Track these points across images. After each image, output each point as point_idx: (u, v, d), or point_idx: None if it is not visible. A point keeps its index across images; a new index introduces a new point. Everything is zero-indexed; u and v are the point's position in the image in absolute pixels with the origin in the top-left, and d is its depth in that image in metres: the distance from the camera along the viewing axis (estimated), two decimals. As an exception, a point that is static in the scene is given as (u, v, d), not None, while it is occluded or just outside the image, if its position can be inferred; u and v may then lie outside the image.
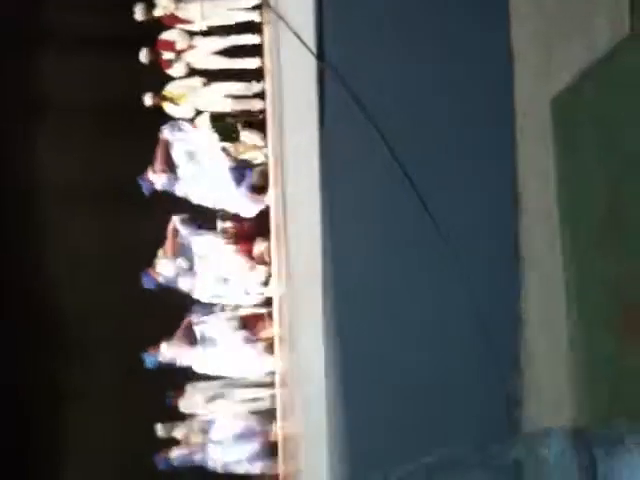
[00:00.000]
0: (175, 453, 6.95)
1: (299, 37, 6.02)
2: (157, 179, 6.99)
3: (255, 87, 7.02)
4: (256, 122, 7.08)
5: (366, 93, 5.87)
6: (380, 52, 5.91)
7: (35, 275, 7.55)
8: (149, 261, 7.05)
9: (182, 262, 7.03)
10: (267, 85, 6.76)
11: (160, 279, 6.97)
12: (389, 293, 6.25)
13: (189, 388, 7.08)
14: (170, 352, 6.98)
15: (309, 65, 6.16)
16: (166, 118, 7.11)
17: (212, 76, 7.09)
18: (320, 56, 6.07)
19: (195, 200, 7.04)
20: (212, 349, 7.00)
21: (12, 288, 7.37)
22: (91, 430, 7.48)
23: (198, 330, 7.02)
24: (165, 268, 6.98)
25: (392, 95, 5.94)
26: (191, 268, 7.03)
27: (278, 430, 6.79)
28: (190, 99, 7.03)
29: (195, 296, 7.06)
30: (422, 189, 5.90)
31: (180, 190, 7.01)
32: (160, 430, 7.04)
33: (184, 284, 7.03)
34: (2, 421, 7.13)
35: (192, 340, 7.06)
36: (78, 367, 7.53)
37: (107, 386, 7.43)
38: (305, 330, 6.45)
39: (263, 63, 6.87)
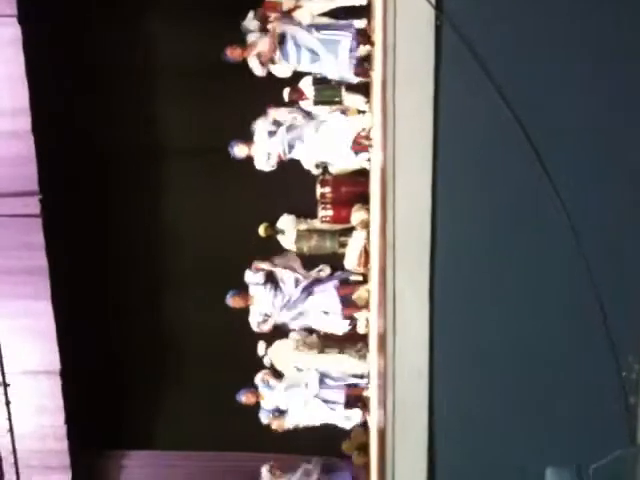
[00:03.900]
0: None
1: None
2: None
3: (361, 49, 6.75)
4: (360, 85, 6.85)
5: (488, 52, 5.50)
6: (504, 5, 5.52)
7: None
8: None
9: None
10: (376, 46, 6.43)
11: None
12: (502, 267, 5.90)
13: None
14: None
15: (425, 21, 5.82)
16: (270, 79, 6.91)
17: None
18: (439, 7, 5.72)
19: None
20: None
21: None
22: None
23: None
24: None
25: (516, 54, 5.55)
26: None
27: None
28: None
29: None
30: (545, 156, 5.52)
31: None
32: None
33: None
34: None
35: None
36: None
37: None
38: (408, 304, 6.14)
39: (370, 25, 6.60)
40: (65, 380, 6.99)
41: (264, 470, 7.24)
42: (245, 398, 7.14)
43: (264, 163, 7.01)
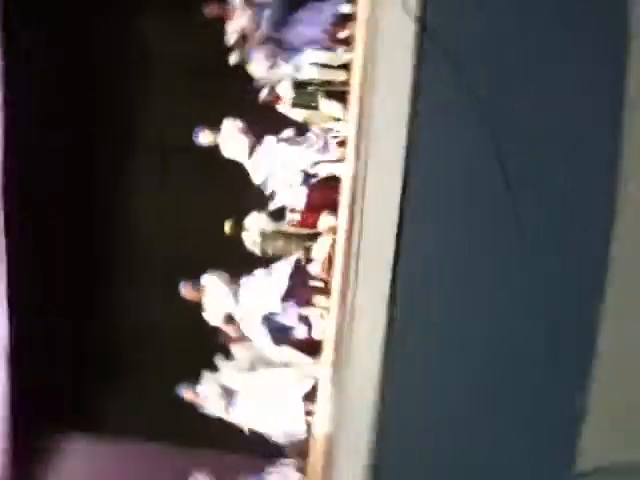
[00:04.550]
0: None
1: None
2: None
3: (343, 57, 6.77)
4: (337, 93, 6.85)
5: (470, 66, 5.51)
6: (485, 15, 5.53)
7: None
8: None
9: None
10: (357, 55, 6.46)
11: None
12: (466, 287, 5.89)
13: None
14: None
15: (406, 32, 5.84)
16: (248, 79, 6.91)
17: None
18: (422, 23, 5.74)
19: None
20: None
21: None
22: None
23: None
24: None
25: (498, 68, 5.55)
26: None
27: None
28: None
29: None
30: (517, 173, 5.52)
31: None
32: None
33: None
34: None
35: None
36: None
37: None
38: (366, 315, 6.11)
39: (353, 33, 6.62)
40: (11, 360, 6.89)
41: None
42: (186, 394, 7.06)
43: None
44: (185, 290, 7.01)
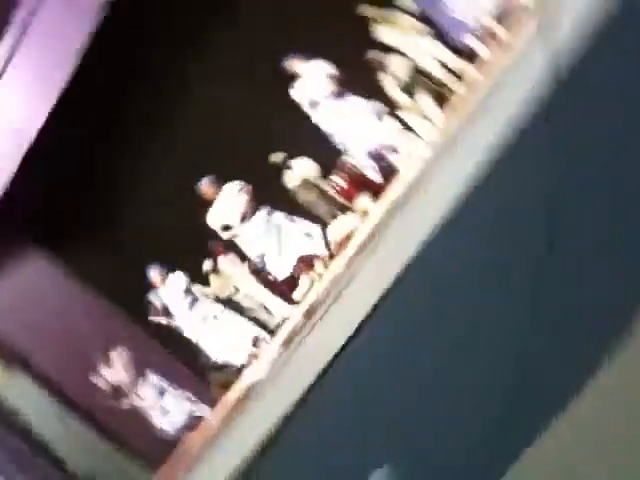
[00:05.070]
0: None
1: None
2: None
3: (463, 68, 6.70)
4: (440, 96, 6.80)
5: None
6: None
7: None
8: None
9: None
10: (480, 75, 6.36)
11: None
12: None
13: None
14: None
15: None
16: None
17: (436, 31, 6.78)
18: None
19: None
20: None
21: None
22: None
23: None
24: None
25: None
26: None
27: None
28: (407, 36, 6.72)
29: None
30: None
31: None
32: None
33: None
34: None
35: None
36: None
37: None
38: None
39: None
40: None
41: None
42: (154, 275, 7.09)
43: None
44: (205, 184, 7.02)
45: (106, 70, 7.23)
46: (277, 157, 7.38)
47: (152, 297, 7.10)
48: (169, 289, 7.04)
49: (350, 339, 5.24)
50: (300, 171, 7.33)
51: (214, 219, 6.99)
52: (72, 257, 7.80)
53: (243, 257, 7.09)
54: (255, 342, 6.87)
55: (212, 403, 6.86)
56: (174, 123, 7.72)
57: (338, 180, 7.18)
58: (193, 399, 7.17)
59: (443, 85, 6.87)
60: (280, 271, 6.83)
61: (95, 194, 7.76)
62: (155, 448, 6.99)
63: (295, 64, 6.87)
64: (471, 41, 6.36)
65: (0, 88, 6.85)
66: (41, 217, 7.61)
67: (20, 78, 6.89)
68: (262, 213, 6.93)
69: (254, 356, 6.81)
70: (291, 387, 5.65)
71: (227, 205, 6.95)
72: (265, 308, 7.02)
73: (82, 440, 7.26)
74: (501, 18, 6.20)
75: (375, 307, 4.90)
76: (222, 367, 6.99)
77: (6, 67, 6.71)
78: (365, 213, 6.85)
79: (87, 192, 7.71)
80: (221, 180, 7.04)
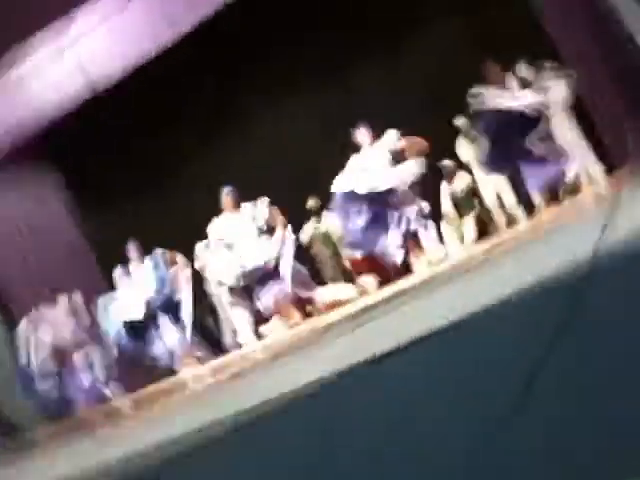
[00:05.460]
0: None
1: None
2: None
3: (516, 213, 6.78)
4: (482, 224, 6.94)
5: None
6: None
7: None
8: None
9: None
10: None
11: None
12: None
13: None
14: None
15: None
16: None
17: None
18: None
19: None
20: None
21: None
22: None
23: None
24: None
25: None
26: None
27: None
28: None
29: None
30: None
31: None
32: None
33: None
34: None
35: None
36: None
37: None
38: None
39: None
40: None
41: None
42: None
43: None
44: (227, 195, 6.66)
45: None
46: (314, 202, 7.50)
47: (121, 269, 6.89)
48: (139, 268, 6.86)
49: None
50: (326, 224, 7.42)
51: (214, 229, 6.68)
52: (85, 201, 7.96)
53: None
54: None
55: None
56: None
57: (354, 252, 7.20)
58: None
59: (489, 217, 7.01)
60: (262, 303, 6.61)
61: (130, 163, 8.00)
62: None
63: (365, 135, 6.46)
64: (536, 198, 6.31)
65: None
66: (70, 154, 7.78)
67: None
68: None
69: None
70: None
71: (243, 225, 6.61)
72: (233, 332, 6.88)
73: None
74: (569, 189, 6.20)
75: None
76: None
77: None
78: (364, 292, 6.89)
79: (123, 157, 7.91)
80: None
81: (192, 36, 6.67)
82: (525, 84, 6.02)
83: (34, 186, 7.81)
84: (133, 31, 6.54)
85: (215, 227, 6.62)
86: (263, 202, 6.57)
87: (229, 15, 6.69)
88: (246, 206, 6.56)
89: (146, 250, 6.76)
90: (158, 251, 6.70)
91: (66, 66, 6.61)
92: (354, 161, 6.29)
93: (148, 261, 6.74)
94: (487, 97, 5.68)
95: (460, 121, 6.97)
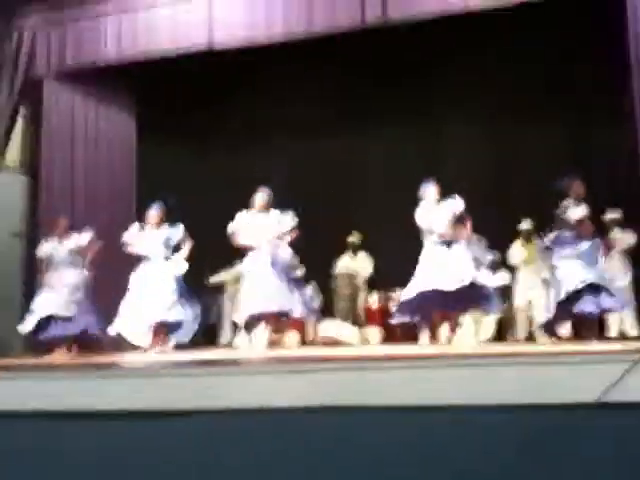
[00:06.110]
0: None
1: None
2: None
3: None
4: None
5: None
6: None
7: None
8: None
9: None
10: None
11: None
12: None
13: None
14: None
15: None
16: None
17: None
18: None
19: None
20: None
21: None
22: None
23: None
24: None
25: None
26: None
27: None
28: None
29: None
30: None
31: None
32: None
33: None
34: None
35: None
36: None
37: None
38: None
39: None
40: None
41: None
42: None
43: None
44: (262, 194, 6.17)
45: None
46: (355, 237, 7.48)
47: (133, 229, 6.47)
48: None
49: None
50: (357, 264, 7.39)
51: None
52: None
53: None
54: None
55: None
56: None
57: (375, 299, 7.22)
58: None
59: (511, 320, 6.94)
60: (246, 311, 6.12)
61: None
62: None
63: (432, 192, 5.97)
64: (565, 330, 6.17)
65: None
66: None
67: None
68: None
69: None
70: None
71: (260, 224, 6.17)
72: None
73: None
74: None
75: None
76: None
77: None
78: (366, 340, 6.86)
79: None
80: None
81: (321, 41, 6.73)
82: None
83: (109, 108, 7.86)
84: (269, 12, 6.64)
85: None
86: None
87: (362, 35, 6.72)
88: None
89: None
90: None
91: (197, 14, 6.73)
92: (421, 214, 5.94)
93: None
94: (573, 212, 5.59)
95: (525, 225, 6.95)
